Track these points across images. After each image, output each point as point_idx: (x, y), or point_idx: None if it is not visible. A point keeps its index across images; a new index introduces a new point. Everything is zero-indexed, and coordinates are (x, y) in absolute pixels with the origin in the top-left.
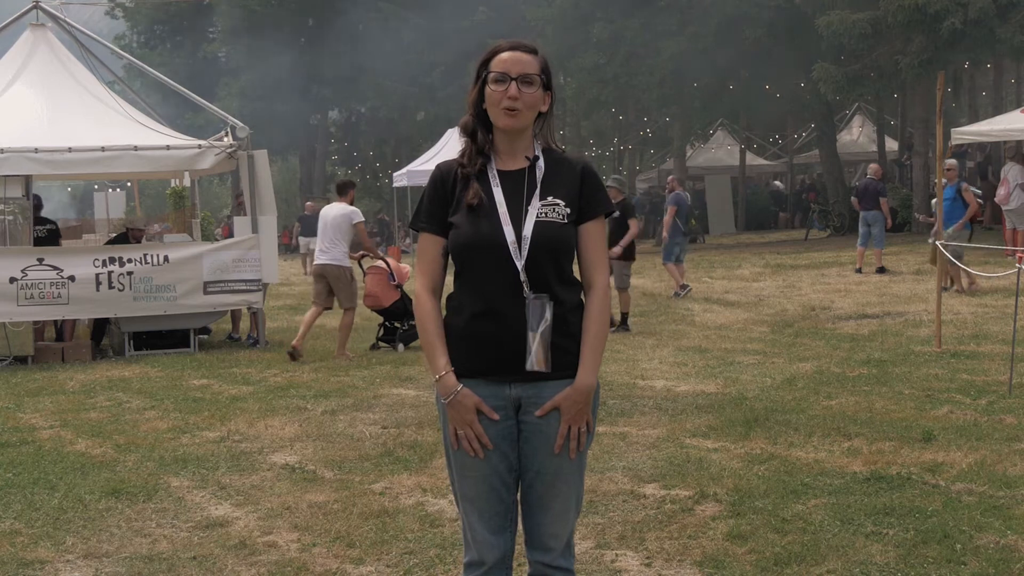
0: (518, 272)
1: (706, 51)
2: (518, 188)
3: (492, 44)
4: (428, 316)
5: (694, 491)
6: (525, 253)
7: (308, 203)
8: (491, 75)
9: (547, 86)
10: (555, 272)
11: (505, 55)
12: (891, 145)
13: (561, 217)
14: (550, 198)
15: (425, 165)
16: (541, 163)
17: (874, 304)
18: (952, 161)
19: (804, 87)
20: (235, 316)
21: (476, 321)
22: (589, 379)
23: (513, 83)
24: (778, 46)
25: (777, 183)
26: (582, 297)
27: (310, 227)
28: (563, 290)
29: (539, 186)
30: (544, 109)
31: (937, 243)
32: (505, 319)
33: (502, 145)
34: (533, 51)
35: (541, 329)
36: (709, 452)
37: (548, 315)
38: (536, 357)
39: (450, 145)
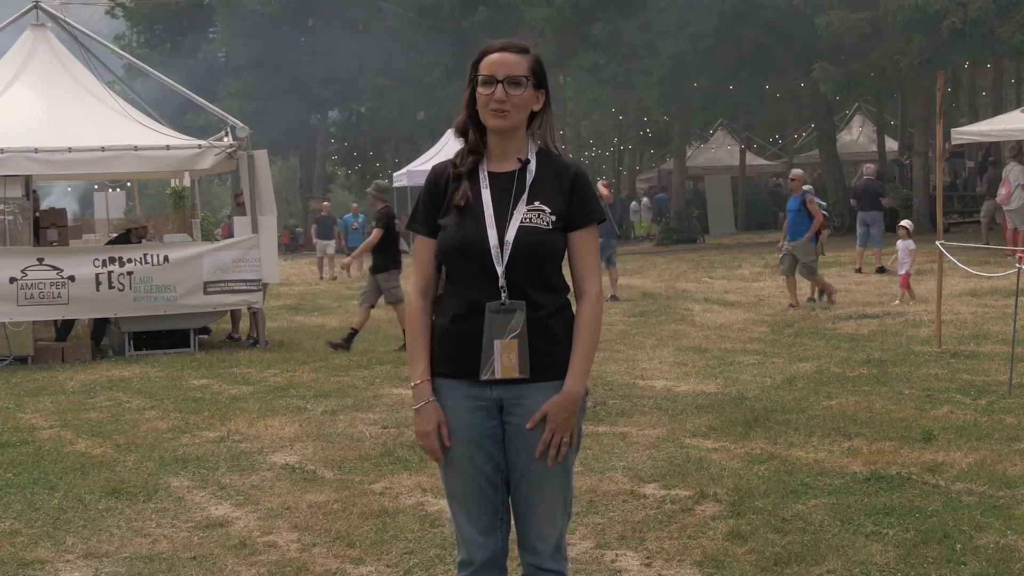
0: (498, 276)
1: (706, 51)
2: (506, 191)
3: (484, 45)
4: (414, 319)
5: (694, 491)
6: (506, 258)
7: (325, 203)
8: (479, 77)
9: (539, 85)
10: (536, 278)
11: (493, 56)
12: (891, 145)
13: (546, 224)
14: (536, 203)
15: (425, 165)
16: (532, 166)
17: (874, 304)
18: (797, 171)
19: (804, 87)
20: (235, 316)
21: (458, 322)
22: (577, 387)
23: (499, 85)
24: (778, 46)
25: (777, 180)
26: (569, 298)
27: (327, 229)
28: (543, 295)
29: (527, 190)
30: (537, 108)
31: (939, 243)
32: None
33: (494, 146)
34: (523, 51)
35: (510, 337)
36: (709, 452)
37: (517, 323)
38: (501, 364)
39: (450, 145)
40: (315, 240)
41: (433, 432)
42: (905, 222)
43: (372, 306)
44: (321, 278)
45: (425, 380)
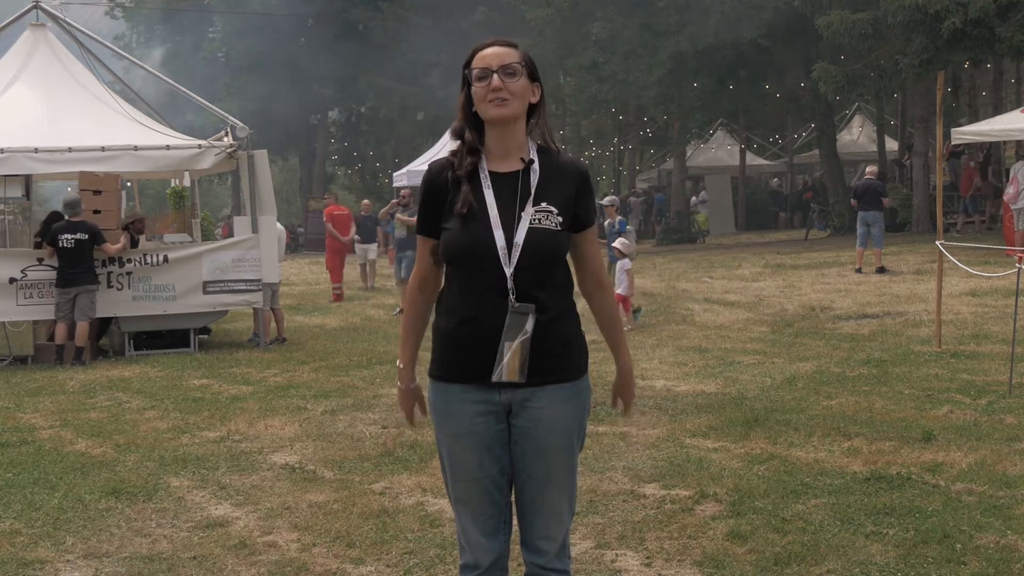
0: (506, 278)
1: (705, 51)
2: (511, 192)
3: (472, 47)
4: (409, 310)
5: (694, 491)
6: (515, 260)
7: (365, 202)
8: (474, 73)
9: (532, 76)
10: (544, 279)
11: (484, 52)
12: (891, 145)
13: (554, 225)
14: (544, 204)
15: (425, 165)
16: (536, 166)
17: (874, 304)
18: None
19: (804, 87)
20: (271, 317)
21: (464, 326)
22: (630, 362)
23: (495, 75)
24: (778, 46)
25: (777, 181)
26: (573, 299)
27: (369, 231)
28: (550, 297)
29: (533, 191)
30: (534, 100)
31: (939, 243)
32: (493, 325)
33: (494, 144)
34: (512, 45)
35: (519, 340)
36: (709, 452)
37: (529, 326)
38: (508, 367)
39: (450, 145)
40: (354, 245)
41: (410, 411)
42: (618, 242)
43: None
44: (367, 287)
45: (408, 366)
